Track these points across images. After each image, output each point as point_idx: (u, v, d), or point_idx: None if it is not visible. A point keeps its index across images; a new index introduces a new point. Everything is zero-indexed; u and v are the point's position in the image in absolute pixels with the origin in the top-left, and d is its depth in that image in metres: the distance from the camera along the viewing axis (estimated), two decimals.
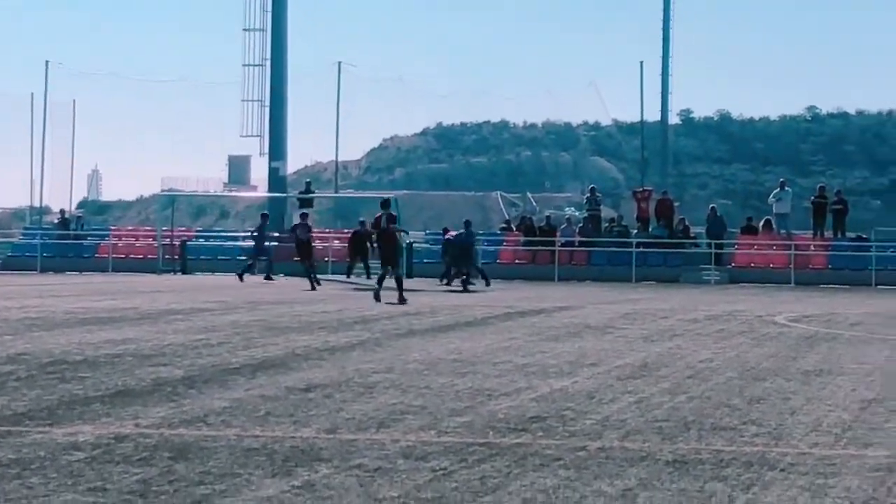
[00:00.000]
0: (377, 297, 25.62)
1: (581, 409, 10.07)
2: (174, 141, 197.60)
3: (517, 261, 45.16)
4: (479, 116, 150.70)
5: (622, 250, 43.96)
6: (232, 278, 36.86)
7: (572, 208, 76.33)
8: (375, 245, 29.72)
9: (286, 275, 39.36)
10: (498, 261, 44.43)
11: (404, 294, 25.94)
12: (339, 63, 62.54)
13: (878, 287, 39.75)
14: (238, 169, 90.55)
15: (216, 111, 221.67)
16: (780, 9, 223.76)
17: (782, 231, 44.93)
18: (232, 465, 7.51)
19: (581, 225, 47.08)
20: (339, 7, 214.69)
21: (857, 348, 16.20)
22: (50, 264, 46.05)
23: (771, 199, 46.00)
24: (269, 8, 54.42)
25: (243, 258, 43.51)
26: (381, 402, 10.31)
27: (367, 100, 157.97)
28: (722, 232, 45.18)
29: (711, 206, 47.88)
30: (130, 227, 63.16)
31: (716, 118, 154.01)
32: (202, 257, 46.34)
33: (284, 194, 54.50)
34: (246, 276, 37.29)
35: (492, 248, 45.02)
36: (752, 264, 43.93)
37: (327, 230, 52.38)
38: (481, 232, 43.17)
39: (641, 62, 66.77)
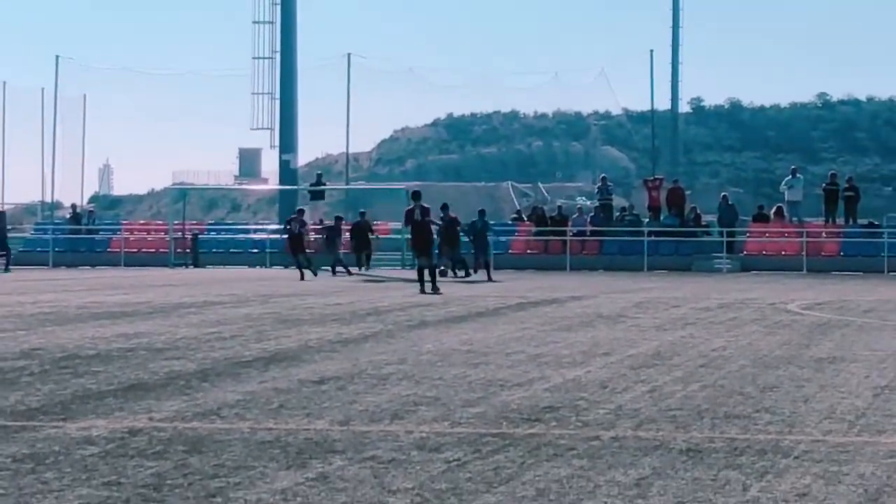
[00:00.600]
0: (434, 290, 25.84)
1: (594, 398, 10.06)
2: (185, 135, 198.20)
3: (529, 251, 45.21)
4: (489, 107, 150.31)
5: (634, 239, 43.97)
6: (244, 270, 36.77)
7: (583, 198, 76.20)
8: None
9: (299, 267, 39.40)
10: (510, 251, 44.47)
11: (437, 284, 26.49)
12: (349, 55, 62.47)
13: (891, 273, 39.71)
14: (249, 162, 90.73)
15: (226, 104, 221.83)
16: None
17: (794, 218, 44.88)
18: (246, 457, 7.52)
19: (592, 214, 47.08)
20: None
21: (869, 335, 16.16)
22: (62, 259, 46.16)
23: (783, 186, 45.96)
24: (279, 0, 54.50)
25: (255, 251, 43.54)
26: (395, 393, 10.31)
27: (378, 91, 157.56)
28: (733, 220, 45.15)
29: (723, 194, 47.84)
30: (142, 221, 63.21)
31: (726, 106, 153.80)
32: (214, 250, 46.45)
33: (295, 187, 54.60)
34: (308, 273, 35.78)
35: (503, 239, 45.04)
36: (764, 252, 43.90)
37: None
38: (493, 222, 43.07)
39: (651, 51, 66.85)
